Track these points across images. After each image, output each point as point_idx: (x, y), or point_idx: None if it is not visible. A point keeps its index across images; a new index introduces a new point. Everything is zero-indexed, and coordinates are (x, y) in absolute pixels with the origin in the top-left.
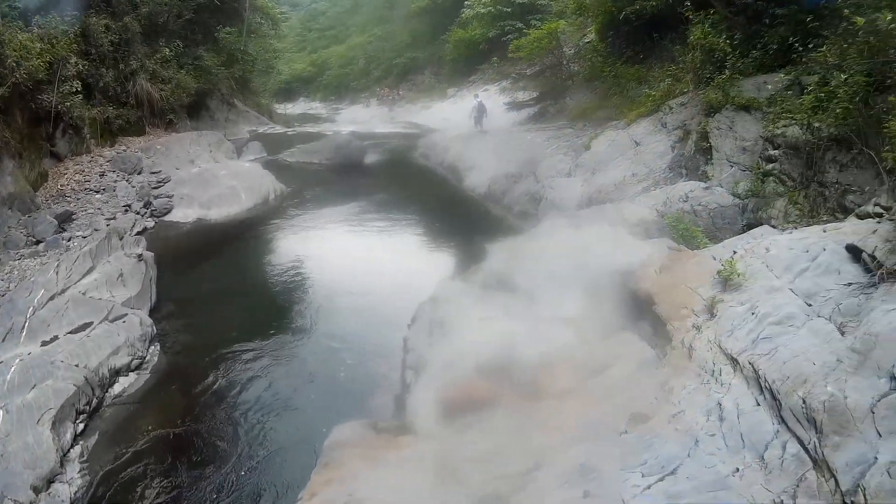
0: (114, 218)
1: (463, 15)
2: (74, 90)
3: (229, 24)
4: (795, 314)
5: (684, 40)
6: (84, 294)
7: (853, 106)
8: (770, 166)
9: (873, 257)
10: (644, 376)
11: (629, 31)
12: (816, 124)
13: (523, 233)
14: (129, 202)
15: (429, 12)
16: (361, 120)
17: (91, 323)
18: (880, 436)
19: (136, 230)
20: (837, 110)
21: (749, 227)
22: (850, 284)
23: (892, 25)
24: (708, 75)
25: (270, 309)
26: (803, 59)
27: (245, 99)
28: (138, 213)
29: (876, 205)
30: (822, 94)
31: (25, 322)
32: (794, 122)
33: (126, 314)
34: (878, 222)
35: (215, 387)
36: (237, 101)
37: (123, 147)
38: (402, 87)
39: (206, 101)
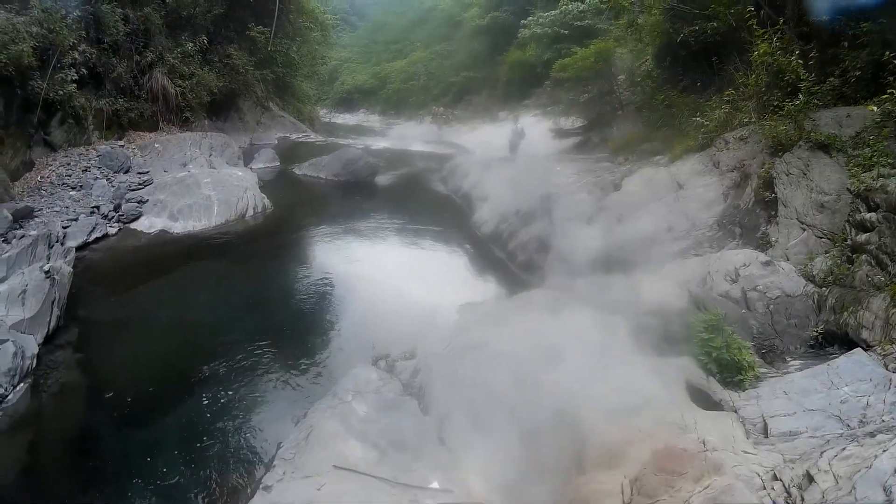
0: (76, 219)
1: (520, 35)
2: (71, 79)
3: (265, 24)
4: None
5: (748, 66)
6: None
7: None
8: (863, 237)
9: None
10: None
11: (687, 56)
12: None
13: (506, 299)
14: (99, 203)
15: (488, 32)
16: (409, 137)
17: None
18: None
19: (94, 235)
20: None
21: (826, 338)
22: None
23: None
24: (775, 102)
25: (188, 351)
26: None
27: (285, 104)
28: (105, 217)
29: None
30: None
31: None
32: None
33: (6, 340)
34: None
35: (67, 447)
36: (273, 106)
37: (121, 142)
38: (458, 106)
39: (236, 101)
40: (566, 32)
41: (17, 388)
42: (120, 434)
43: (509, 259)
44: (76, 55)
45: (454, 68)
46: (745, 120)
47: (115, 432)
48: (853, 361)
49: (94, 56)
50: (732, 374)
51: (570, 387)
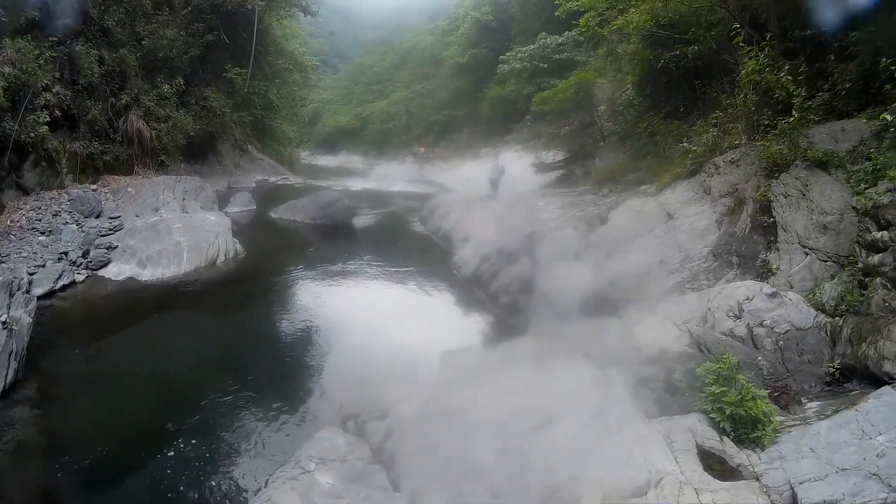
0: (43, 266)
1: (500, 71)
2: (42, 121)
3: (243, 66)
4: None
5: (734, 87)
6: None
7: None
8: (875, 259)
9: None
10: None
11: (668, 83)
12: None
13: (488, 348)
14: (68, 249)
15: (468, 69)
16: (390, 177)
17: None
18: None
19: (60, 283)
20: None
21: (843, 373)
22: None
23: None
24: (766, 122)
25: (151, 407)
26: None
27: (264, 146)
28: (73, 264)
29: None
30: None
31: None
32: None
33: None
34: None
35: None
36: (252, 148)
37: (94, 186)
38: (440, 145)
39: (215, 144)
40: (545, 66)
41: None
42: (78, 496)
43: (492, 301)
44: (49, 96)
45: (435, 107)
46: (735, 142)
47: (73, 494)
48: (884, 403)
49: (68, 98)
50: (748, 430)
51: (563, 460)
